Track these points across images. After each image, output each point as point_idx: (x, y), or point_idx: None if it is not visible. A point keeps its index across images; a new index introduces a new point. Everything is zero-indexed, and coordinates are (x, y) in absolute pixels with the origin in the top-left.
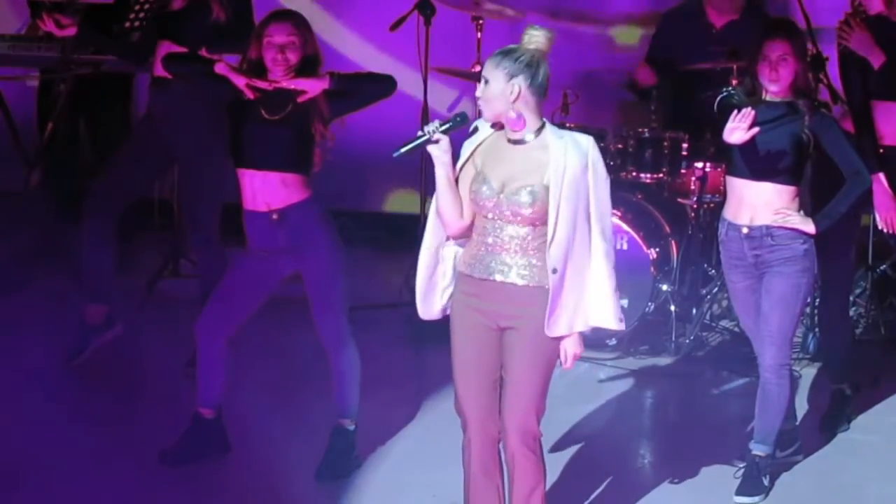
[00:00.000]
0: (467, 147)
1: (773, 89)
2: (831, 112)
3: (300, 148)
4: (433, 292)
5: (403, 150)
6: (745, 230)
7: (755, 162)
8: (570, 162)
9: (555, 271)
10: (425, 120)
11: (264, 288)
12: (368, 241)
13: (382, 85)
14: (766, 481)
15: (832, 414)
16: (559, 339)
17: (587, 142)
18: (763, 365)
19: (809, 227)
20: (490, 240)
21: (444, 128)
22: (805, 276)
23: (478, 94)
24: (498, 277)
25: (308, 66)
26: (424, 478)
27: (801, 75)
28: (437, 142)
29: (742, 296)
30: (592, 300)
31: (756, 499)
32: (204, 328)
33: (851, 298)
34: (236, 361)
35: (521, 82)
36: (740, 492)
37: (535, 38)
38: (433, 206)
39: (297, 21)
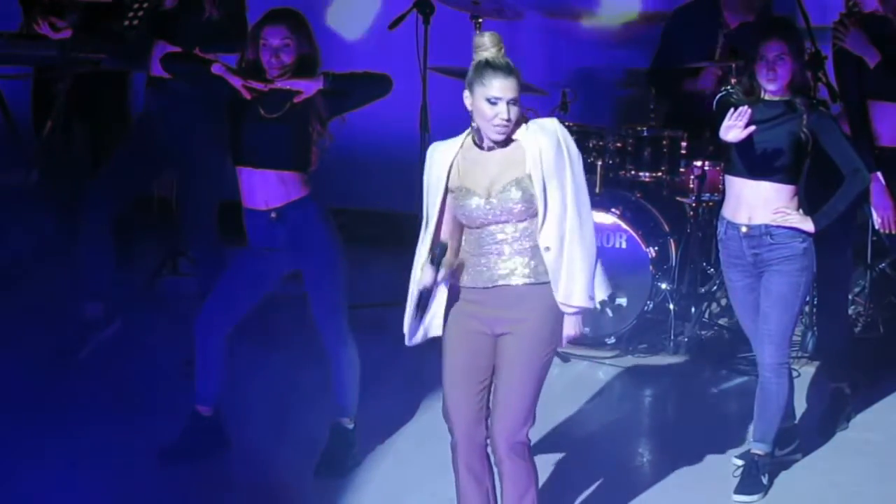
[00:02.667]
0: (438, 171)
1: (771, 88)
2: (829, 110)
3: (298, 146)
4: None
5: (422, 311)
6: (743, 229)
7: (753, 161)
8: (542, 145)
9: (547, 249)
10: (424, 118)
11: (264, 286)
12: (366, 239)
13: (379, 84)
14: (765, 480)
15: (831, 412)
16: (554, 344)
17: (552, 123)
18: (762, 364)
19: (808, 225)
20: (487, 248)
21: (437, 274)
22: (804, 275)
23: (505, 116)
24: (501, 283)
25: (305, 65)
26: (423, 477)
27: (798, 74)
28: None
29: (741, 295)
30: (577, 277)
31: (755, 497)
32: (203, 325)
33: (850, 297)
34: (235, 359)
35: None
36: (739, 490)
37: (500, 41)
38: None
39: (291, 23)
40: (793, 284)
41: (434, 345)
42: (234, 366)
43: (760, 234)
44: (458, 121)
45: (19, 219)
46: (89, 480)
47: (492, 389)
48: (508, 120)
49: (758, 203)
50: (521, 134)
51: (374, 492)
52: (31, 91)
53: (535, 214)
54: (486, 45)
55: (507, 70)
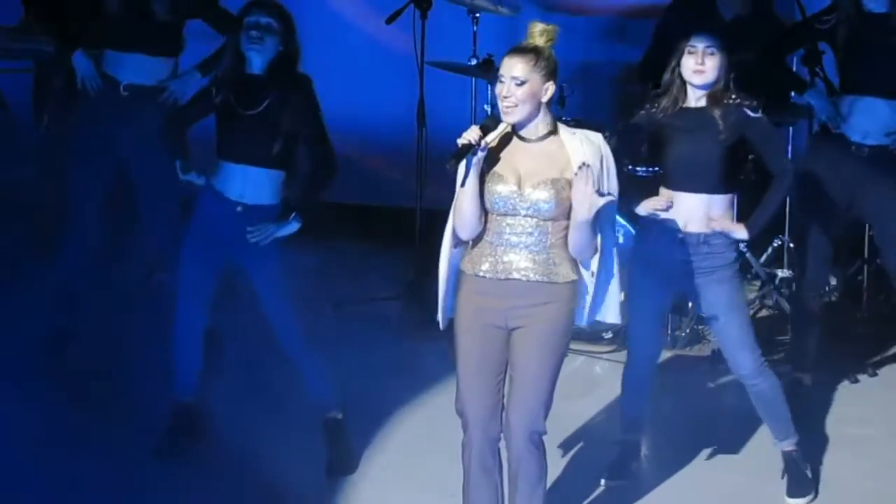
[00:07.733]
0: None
1: (697, 83)
2: (756, 108)
3: (275, 143)
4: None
5: (456, 162)
6: (679, 235)
7: (686, 174)
8: (587, 154)
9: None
10: (421, 112)
11: (218, 273)
12: (363, 234)
13: (330, 174)
14: (808, 473)
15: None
16: (569, 336)
17: (597, 138)
18: (745, 373)
19: (743, 233)
20: (506, 239)
21: (487, 135)
22: (738, 278)
23: (506, 94)
24: (516, 276)
25: (285, 60)
26: (422, 470)
27: (725, 73)
28: (484, 149)
29: (655, 300)
30: (613, 293)
31: (808, 498)
32: (183, 324)
33: (847, 292)
34: (227, 356)
35: (553, 83)
36: (791, 493)
37: (549, 33)
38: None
39: (274, 13)
40: (737, 288)
41: (433, 339)
42: (226, 360)
43: (697, 243)
44: (454, 115)
45: (17, 212)
46: (84, 475)
47: (506, 383)
48: (510, 98)
49: (694, 214)
50: (566, 137)
51: (372, 486)
52: (32, 85)
53: (561, 217)
54: (530, 32)
55: (516, 50)
